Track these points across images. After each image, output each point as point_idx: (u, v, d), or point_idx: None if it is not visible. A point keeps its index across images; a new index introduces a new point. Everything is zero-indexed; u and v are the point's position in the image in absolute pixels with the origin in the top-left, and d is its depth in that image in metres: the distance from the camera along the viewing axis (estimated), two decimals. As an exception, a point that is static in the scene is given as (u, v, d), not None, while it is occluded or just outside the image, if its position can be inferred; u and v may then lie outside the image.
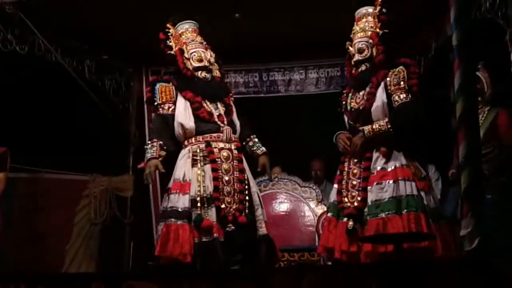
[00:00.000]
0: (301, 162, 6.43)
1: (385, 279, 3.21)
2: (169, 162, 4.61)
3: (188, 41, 4.66)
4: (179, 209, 4.34)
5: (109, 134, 6.35)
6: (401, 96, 4.26)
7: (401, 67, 4.32)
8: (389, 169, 4.22)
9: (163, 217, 4.41)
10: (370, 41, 4.38)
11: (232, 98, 4.83)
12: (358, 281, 3.30)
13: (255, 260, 4.34)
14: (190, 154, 4.49)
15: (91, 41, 6.00)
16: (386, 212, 4.10)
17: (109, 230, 6.15)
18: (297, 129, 6.51)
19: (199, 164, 4.45)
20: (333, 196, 4.46)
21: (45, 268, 5.71)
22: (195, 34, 4.72)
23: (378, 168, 4.24)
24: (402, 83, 4.28)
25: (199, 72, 4.60)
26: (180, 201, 4.37)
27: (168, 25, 4.70)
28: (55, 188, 6.12)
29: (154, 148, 4.49)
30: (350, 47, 4.46)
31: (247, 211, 4.43)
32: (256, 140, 4.79)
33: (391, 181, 4.17)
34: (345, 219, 4.25)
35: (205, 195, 4.36)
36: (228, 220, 4.34)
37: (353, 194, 4.27)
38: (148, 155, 4.47)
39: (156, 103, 4.63)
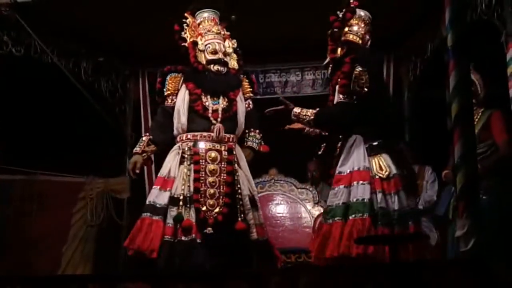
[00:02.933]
0: (297, 163, 6.43)
1: (381, 280, 3.21)
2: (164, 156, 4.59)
3: (204, 32, 4.56)
4: (157, 205, 4.31)
5: (106, 136, 6.34)
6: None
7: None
8: (345, 173, 4.02)
9: (142, 211, 4.37)
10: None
11: (249, 93, 4.73)
12: (354, 283, 3.30)
13: (249, 265, 4.28)
14: (180, 151, 4.44)
15: (87, 43, 6.01)
16: (334, 218, 3.93)
17: (105, 232, 6.14)
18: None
19: (185, 163, 4.39)
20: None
21: (42, 270, 5.70)
22: (212, 24, 4.61)
23: (336, 172, 4.08)
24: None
25: (212, 65, 4.49)
26: (160, 197, 4.33)
27: (186, 14, 4.60)
28: (51, 190, 6.11)
29: (141, 144, 4.52)
30: None
31: (242, 215, 4.36)
32: (253, 134, 4.74)
33: (342, 186, 3.97)
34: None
35: (188, 194, 4.30)
36: (208, 222, 4.27)
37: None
38: (134, 150, 4.53)
39: (164, 95, 4.57)
